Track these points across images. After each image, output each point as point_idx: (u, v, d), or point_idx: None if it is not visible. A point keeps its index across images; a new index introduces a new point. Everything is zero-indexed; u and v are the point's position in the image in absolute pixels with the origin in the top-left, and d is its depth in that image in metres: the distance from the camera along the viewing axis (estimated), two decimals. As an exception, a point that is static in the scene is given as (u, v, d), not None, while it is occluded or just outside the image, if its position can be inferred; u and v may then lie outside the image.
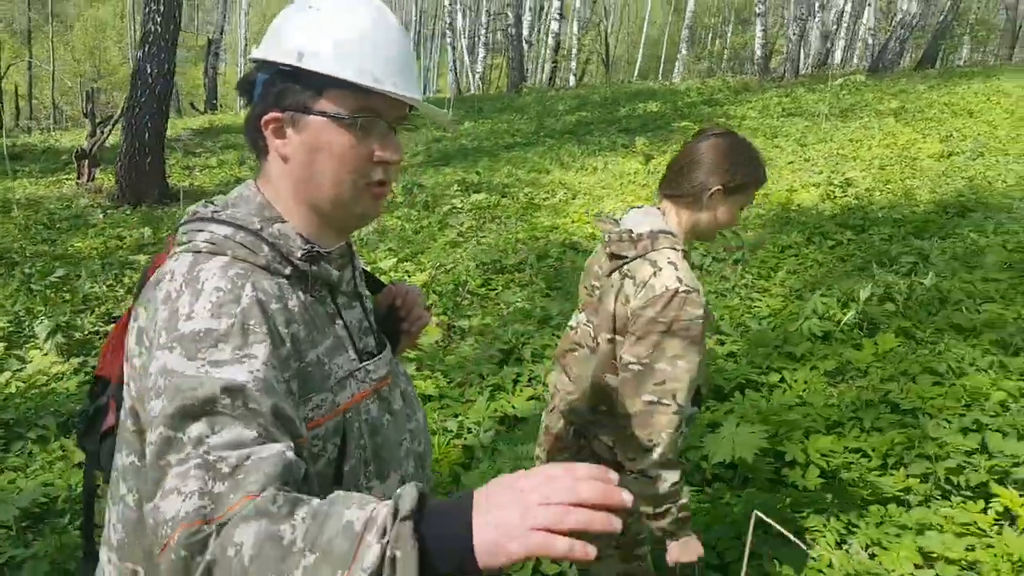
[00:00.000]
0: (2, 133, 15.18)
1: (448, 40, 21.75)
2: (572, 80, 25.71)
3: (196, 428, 0.85)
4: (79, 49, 28.90)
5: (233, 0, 30.09)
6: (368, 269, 1.33)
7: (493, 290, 5.59)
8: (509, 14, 20.66)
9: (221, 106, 29.16)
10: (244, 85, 1.11)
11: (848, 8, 24.83)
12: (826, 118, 12.23)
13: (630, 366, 1.66)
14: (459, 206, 8.50)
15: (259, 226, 1.04)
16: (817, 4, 20.58)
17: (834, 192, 7.64)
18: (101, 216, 8.62)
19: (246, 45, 29.69)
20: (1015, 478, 2.75)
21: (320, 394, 1.04)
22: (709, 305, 1.76)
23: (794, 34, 18.90)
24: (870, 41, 20.38)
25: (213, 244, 1.01)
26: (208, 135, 16.86)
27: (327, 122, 1.04)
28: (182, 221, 1.07)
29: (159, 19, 9.09)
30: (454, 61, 22.54)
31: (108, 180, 10.41)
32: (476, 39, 27.56)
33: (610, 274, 1.79)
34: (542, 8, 28.03)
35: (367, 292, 1.27)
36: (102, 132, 10.68)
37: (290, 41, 1.04)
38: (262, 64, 1.08)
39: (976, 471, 2.77)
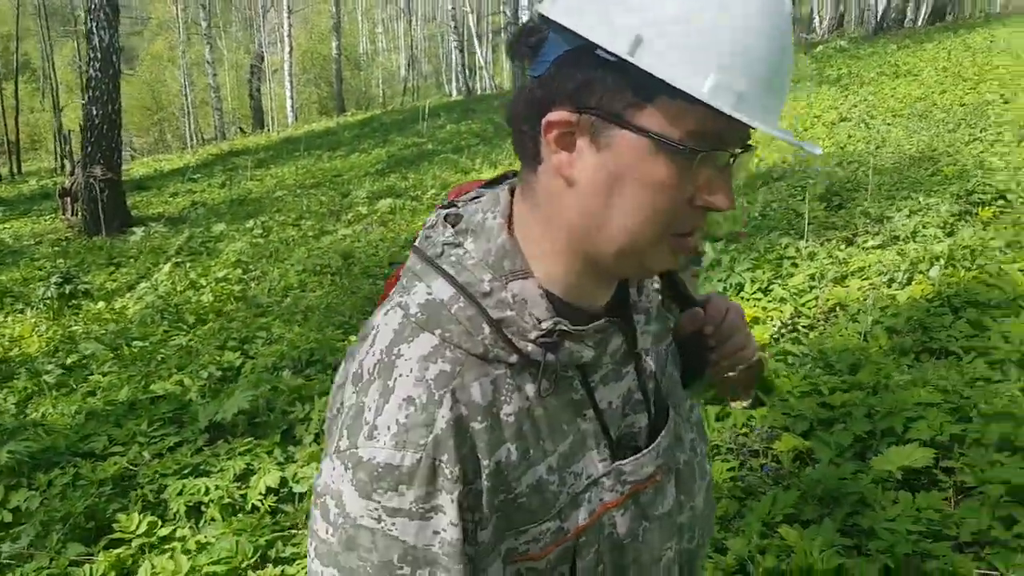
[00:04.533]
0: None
1: (454, 43, 22.26)
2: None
3: None
4: (135, 84, 31.31)
5: (276, 27, 31.56)
6: (677, 278, 0.95)
7: (305, 290, 6.14)
8: (507, 12, 20.94)
9: (267, 127, 30.81)
10: (523, 46, 0.74)
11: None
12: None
13: None
14: (363, 212, 9.01)
15: (488, 288, 0.75)
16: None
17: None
18: (57, 249, 9.66)
19: (291, 66, 31.10)
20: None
21: (541, 524, 0.78)
22: None
23: None
24: (871, 1, 19.41)
25: (425, 315, 0.75)
26: (220, 160, 18.02)
27: (647, 143, 0.69)
28: (416, 239, 0.82)
29: (98, 65, 10.05)
30: (463, 63, 23.04)
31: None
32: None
33: None
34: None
35: (654, 344, 0.91)
36: (78, 171, 11.80)
37: (625, 15, 0.67)
38: (556, 26, 0.71)
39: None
